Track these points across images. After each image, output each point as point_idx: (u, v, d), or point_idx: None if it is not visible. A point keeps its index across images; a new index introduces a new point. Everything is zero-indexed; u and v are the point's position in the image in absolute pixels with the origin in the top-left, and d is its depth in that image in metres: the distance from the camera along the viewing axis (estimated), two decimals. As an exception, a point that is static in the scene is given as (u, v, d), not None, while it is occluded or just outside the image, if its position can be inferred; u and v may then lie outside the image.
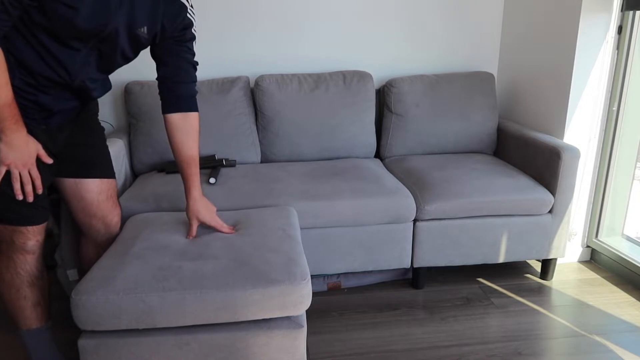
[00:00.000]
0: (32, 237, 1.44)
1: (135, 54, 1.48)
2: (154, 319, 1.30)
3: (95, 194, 1.61)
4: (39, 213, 1.43)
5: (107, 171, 1.65)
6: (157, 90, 1.60)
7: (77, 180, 1.58)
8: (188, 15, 1.48)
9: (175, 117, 1.57)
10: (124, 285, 1.31)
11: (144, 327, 1.30)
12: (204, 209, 1.63)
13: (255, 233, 1.62)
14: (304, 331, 1.39)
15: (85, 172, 1.59)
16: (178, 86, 1.55)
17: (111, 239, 1.69)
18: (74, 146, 1.55)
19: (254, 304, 1.32)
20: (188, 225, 1.63)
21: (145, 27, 1.40)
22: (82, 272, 1.79)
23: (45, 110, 1.40)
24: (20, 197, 1.36)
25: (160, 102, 1.59)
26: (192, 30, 1.52)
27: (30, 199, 1.37)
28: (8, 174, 1.34)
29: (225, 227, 1.64)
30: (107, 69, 1.48)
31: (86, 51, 1.36)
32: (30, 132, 1.37)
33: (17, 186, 1.34)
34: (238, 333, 1.35)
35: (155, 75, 1.58)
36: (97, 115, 1.68)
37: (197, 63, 1.57)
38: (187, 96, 1.57)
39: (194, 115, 1.59)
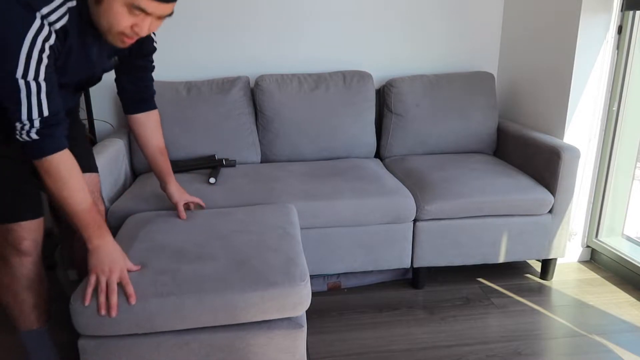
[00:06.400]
0: (27, 235, 1.41)
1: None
2: (153, 324, 1.29)
3: None
4: (29, 205, 1.41)
5: (89, 166, 1.66)
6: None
7: None
8: (152, 38, 1.56)
9: (140, 116, 1.66)
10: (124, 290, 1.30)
11: (144, 331, 1.30)
12: (183, 190, 1.81)
13: (254, 231, 1.62)
14: (304, 331, 1.39)
15: None
16: (140, 91, 1.64)
17: None
18: None
19: (253, 306, 1.32)
20: (180, 219, 1.73)
21: (117, 56, 1.48)
22: (79, 272, 1.78)
23: None
24: (103, 312, 1.26)
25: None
26: (154, 45, 1.58)
27: (114, 313, 1.26)
28: None
29: (183, 213, 1.76)
30: (80, 94, 1.57)
31: (73, 89, 1.43)
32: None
33: (102, 299, 1.26)
34: (238, 333, 1.35)
35: None
36: (78, 111, 1.71)
37: (154, 67, 1.64)
38: (149, 97, 1.67)
39: (155, 112, 1.70)
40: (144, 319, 1.28)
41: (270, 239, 1.57)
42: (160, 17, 1.25)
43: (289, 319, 1.39)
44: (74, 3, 1.21)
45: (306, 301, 1.37)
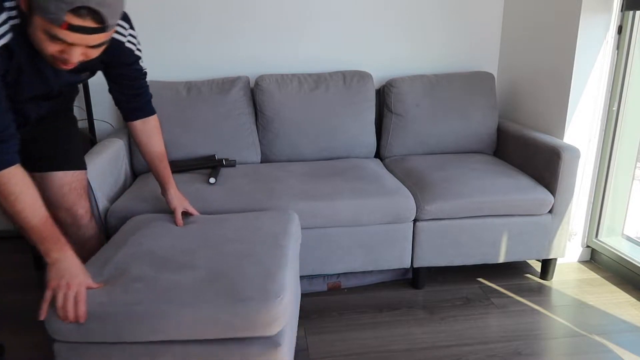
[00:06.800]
0: None
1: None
2: (120, 333, 1.24)
3: (57, 187, 1.59)
4: None
5: (77, 163, 1.64)
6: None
7: (41, 174, 1.56)
8: (130, 49, 1.50)
9: (137, 123, 1.67)
10: (94, 298, 1.26)
11: (113, 340, 1.26)
12: (183, 197, 1.80)
13: (246, 239, 1.56)
14: (281, 351, 1.29)
15: (48, 166, 1.57)
16: (134, 99, 1.63)
17: (79, 232, 1.66)
18: (40, 141, 1.55)
19: (223, 323, 1.24)
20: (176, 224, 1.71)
21: (88, 72, 1.47)
22: None
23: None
24: (67, 322, 1.24)
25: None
26: (136, 54, 1.54)
27: (77, 319, 1.25)
28: None
29: (180, 220, 1.73)
30: (56, 101, 1.56)
31: (44, 98, 1.43)
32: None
33: (60, 314, 1.23)
34: (210, 348, 1.28)
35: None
36: (69, 110, 1.70)
37: (146, 73, 1.62)
38: (144, 104, 1.66)
39: (153, 117, 1.70)
40: (111, 327, 1.23)
41: (258, 250, 1.49)
42: (94, 47, 1.19)
43: (265, 337, 1.28)
44: (17, 21, 1.17)
45: (281, 319, 1.26)
